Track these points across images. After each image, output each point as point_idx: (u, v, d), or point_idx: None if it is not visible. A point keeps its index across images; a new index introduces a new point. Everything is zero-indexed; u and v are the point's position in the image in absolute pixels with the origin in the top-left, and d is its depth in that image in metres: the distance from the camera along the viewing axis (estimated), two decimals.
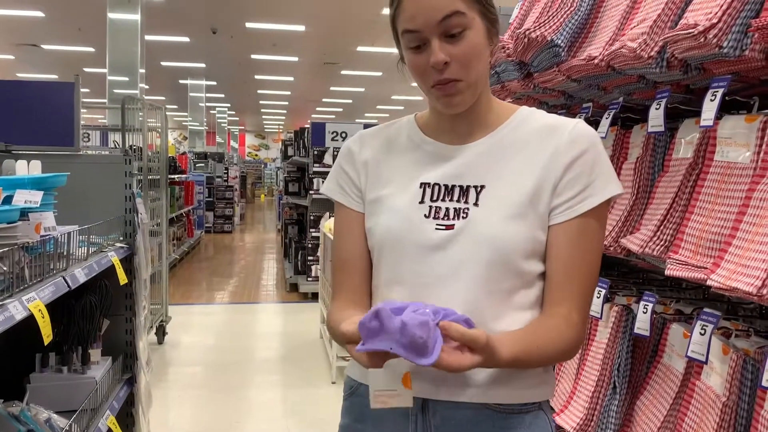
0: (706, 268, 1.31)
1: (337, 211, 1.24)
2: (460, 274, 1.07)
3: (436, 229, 1.09)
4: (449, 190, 1.12)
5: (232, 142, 34.43)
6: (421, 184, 1.14)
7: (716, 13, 1.30)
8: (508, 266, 1.06)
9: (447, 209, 1.10)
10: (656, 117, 1.57)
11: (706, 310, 1.44)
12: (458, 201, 1.10)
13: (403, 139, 1.21)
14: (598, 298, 1.84)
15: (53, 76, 17.90)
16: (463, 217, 1.09)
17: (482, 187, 1.10)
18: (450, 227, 1.09)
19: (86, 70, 15.59)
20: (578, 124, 1.11)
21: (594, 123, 1.89)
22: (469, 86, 1.07)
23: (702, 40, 1.30)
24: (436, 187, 1.12)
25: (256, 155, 37.89)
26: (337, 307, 1.18)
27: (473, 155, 1.13)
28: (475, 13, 1.05)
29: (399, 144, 1.20)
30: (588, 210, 1.07)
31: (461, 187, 1.11)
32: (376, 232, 1.16)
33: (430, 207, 1.11)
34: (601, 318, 1.85)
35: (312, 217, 7.33)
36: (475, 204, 1.09)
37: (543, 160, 1.09)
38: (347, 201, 1.21)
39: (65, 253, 1.78)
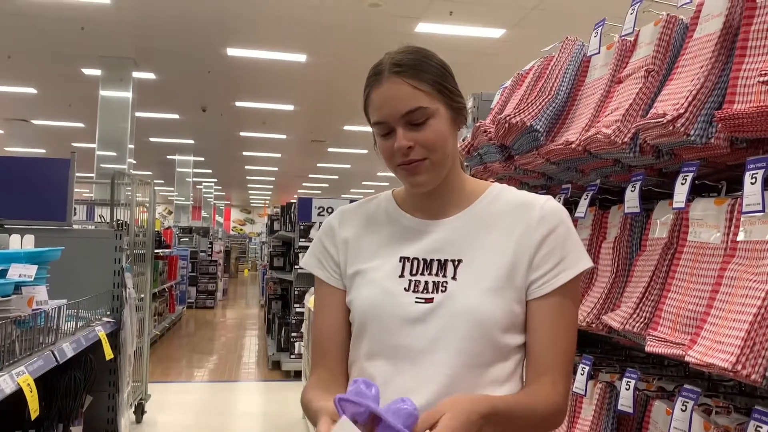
0: (684, 345, 1.35)
1: (316, 287, 1.28)
2: (440, 347, 1.10)
3: (416, 302, 1.13)
4: (428, 264, 1.16)
5: (217, 217, 34.53)
6: (401, 258, 1.18)
7: (683, 104, 1.40)
8: (487, 339, 1.10)
9: (426, 282, 1.14)
10: (632, 199, 1.65)
11: (686, 386, 1.47)
12: (437, 275, 1.15)
13: (381, 214, 1.26)
14: (582, 375, 1.86)
15: (41, 151, 18.05)
16: (442, 291, 1.13)
17: (459, 261, 1.15)
18: (429, 300, 1.13)
19: (74, 144, 15.76)
20: (548, 201, 1.17)
21: (573, 203, 1.98)
22: (434, 165, 1.13)
23: (671, 128, 1.40)
24: (415, 262, 1.17)
25: (241, 229, 37.90)
26: (311, 385, 1.20)
27: (449, 230, 1.18)
28: (439, 104, 1.13)
29: (378, 219, 1.26)
30: (564, 283, 1.13)
31: (439, 261, 1.16)
32: (356, 305, 1.19)
33: (410, 281, 1.15)
34: (585, 395, 1.87)
35: (296, 292, 7.30)
36: (453, 278, 1.14)
37: (516, 235, 1.15)
38: (325, 276, 1.25)
39: (54, 327, 1.79)
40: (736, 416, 1.47)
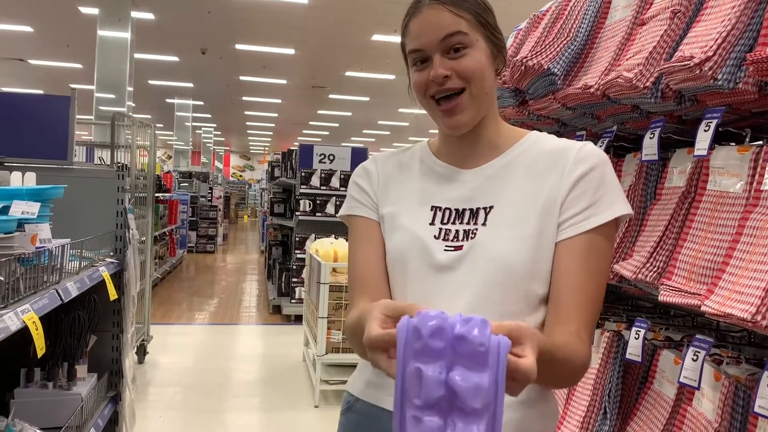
0: (700, 295, 1.33)
1: (353, 227, 1.24)
2: (466, 295, 1.07)
3: (445, 250, 1.10)
4: (460, 213, 1.12)
5: (217, 163, 34.41)
6: (433, 207, 1.15)
7: (711, 46, 1.34)
8: (515, 287, 1.06)
9: (457, 231, 1.11)
10: (650, 146, 1.60)
11: (698, 336, 1.46)
12: (468, 223, 1.11)
13: (415, 162, 1.23)
14: None
15: (39, 92, 17.82)
16: (471, 238, 1.09)
17: (491, 207, 1.11)
18: (458, 248, 1.09)
19: (73, 86, 15.55)
20: (585, 146, 1.12)
21: None
22: (473, 99, 1.08)
23: (697, 72, 1.34)
24: (447, 211, 1.14)
25: (241, 176, 37.82)
26: (354, 316, 1.10)
27: (483, 178, 1.14)
28: (479, 35, 1.09)
29: (412, 167, 1.22)
30: (593, 228, 1.06)
31: (471, 210, 1.12)
32: (389, 251, 1.17)
33: (440, 229, 1.12)
34: (592, 344, 1.87)
35: (297, 239, 7.32)
36: (484, 224, 1.10)
37: (551, 181, 1.09)
38: (364, 212, 1.22)
39: (58, 266, 1.77)
40: (746, 367, 1.46)
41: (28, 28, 11.35)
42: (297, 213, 7.22)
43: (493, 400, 0.70)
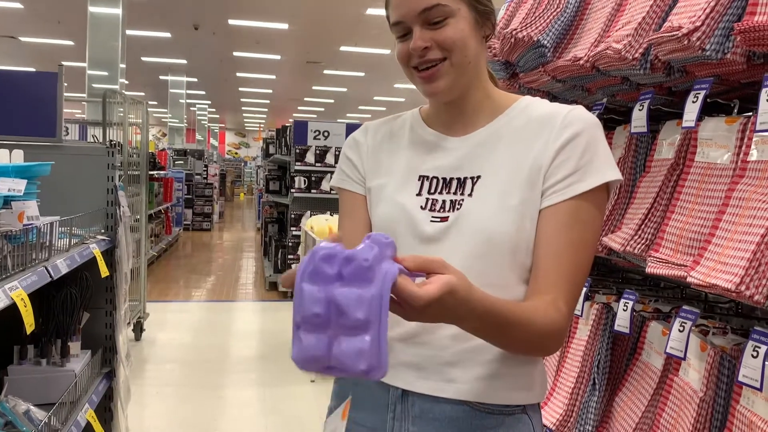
0: (686, 266, 1.34)
1: (341, 199, 1.23)
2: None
3: (431, 221, 1.08)
4: (447, 183, 1.11)
5: (212, 140, 34.26)
6: (420, 176, 1.13)
7: (700, 16, 1.33)
8: (501, 259, 1.04)
9: (444, 201, 1.09)
10: (639, 118, 1.60)
11: (684, 307, 1.47)
12: (455, 193, 1.09)
13: (406, 130, 1.21)
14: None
15: (30, 69, 17.63)
16: (457, 209, 1.07)
17: (478, 177, 1.08)
18: (444, 219, 1.07)
19: (65, 63, 15.39)
20: (575, 109, 1.08)
21: None
22: (454, 67, 1.06)
23: (685, 42, 1.33)
24: (434, 180, 1.12)
25: (236, 153, 37.69)
26: None
27: (471, 146, 1.12)
28: (461, 3, 1.05)
29: (402, 135, 1.21)
30: (578, 194, 1.02)
31: (459, 179, 1.10)
32: (374, 221, 1.16)
33: (427, 199, 1.11)
34: (581, 316, 1.88)
35: (293, 216, 7.32)
36: (470, 195, 1.07)
37: (537, 147, 1.06)
38: (351, 186, 1.21)
39: (47, 244, 1.76)
40: (732, 337, 1.47)
41: (17, 5, 11.20)
42: (292, 190, 7.22)
43: (377, 315, 0.72)
